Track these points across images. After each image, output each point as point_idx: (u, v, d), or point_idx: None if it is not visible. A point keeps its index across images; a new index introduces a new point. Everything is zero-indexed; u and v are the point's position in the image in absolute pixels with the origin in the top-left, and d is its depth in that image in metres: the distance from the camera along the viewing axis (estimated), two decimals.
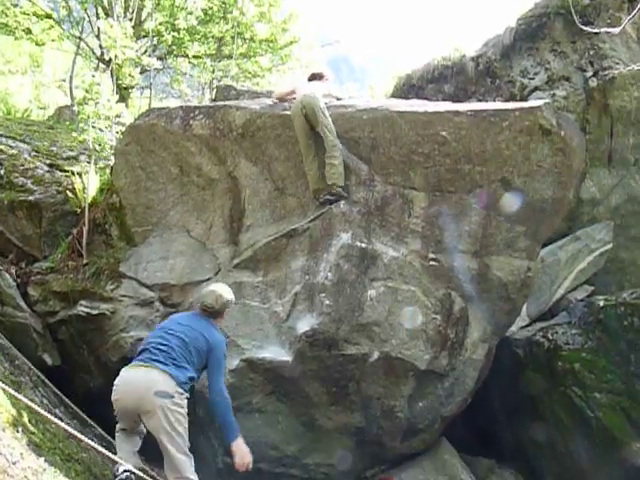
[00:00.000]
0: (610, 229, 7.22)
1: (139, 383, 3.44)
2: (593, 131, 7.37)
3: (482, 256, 4.95)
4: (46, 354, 5.94)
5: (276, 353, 4.79)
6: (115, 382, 3.56)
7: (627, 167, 7.43)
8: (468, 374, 5.19)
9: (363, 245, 4.73)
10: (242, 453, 3.65)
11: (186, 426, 3.49)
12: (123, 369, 3.60)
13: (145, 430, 3.64)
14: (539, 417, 5.90)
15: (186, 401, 3.56)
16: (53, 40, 12.69)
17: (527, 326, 6.47)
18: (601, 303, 5.81)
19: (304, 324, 4.64)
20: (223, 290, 3.95)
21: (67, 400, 5.13)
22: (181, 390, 3.50)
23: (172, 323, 3.80)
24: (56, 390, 5.17)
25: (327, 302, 4.62)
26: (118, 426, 3.66)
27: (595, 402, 5.38)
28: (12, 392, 3.23)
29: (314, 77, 5.47)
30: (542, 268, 6.58)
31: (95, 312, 5.90)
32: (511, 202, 4.72)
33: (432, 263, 4.86)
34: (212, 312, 3.84)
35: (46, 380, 5.21)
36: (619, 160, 7.41)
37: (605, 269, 7.15)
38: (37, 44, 12.58)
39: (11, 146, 7.83)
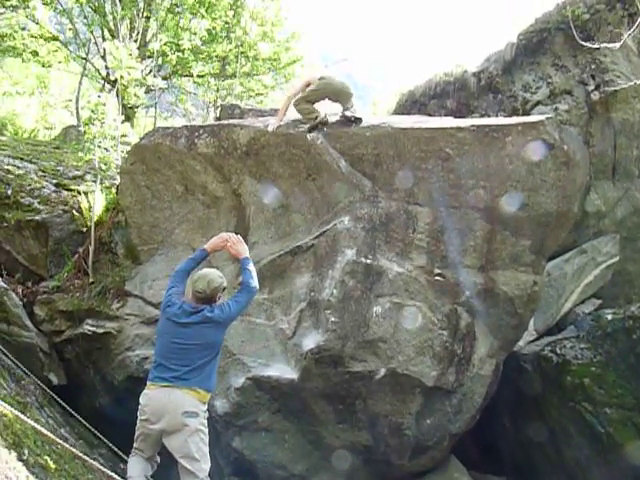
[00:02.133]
0: (616, 242, 7.19)
1: (167, 403, 3.44)
2: (596, 144, 7.36)
3: (488, 271, 4.94)
4: (52, 373, 5.95)
5: (282, 371, 4.77)
6: (141, 402, 3.54)
7: (632, 179, 7.42)
8: (476, 390, 5.14)
9: (368, 261, 4.73)
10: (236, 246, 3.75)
11: (207, 447, 3.49)
12: (147, 388, 3.57)
13: (159, 460, 3.65)
14: (549, 433, 5.82)
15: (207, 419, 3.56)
16: (60, 62, 12.90)
17: (535, 340, 6.42)
18: (609, 317, 5.77)
19: (310, 341, 4.63)
20: (214, 275, 3.72)
21: (74, 418, 5.11)
22: (204, 408, 3.51)
23: (176, 327, 3.67)
24: (63, 407, 5.15)
25: (332, 319, 4.61)
26: (135, 449, 3.64)
27: (606, 418, 5.32)
28: (18, 414, 3.21)
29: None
30: (548, 282, 6.54)
31: (101, 331, 5.91)
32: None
33: (438, 278, 4.85)
34: (204, 298, 3.63)
35: (53, 398, 5.20)
36: (623, 172, 7.40)
37: (612, 282, 7.10)
38: (44, 66, 12.77)
39: (18, 166, 7.91)
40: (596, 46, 5.86)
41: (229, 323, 3.68)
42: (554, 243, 5.20)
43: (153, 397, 3.50)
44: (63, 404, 5.12)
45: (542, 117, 4.82)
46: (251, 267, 3.74)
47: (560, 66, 7.78)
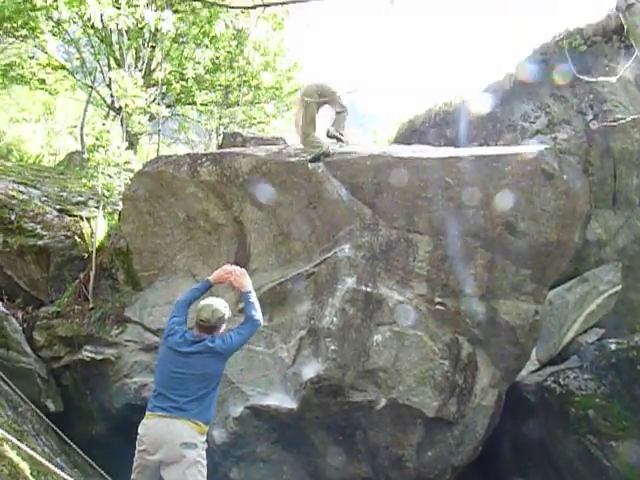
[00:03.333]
0: (618, 270, 7.16)
1: (165, 433, 3.39)
2: (596, 173, 7.41)
3: (489, 300, 4.92)
4: (49, 400, 5.89)
5: (281, 400, 4.72)
6: (140, 432, 3.49)
7: (632, 208, 7.44)
8: (478, 421, 5.06)
9: (368, 289, 4.72)
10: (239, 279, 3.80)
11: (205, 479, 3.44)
12: (145, 418, 3.52)
13: None
14: (553, 466, 5.71)
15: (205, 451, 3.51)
16: (66, 89, 13.14)
17: (537, 370, 6.34)
18: (613, 347, 5.71)
19: (309, 370, 4.59)
20: (219, 304, 3.71)
21: (69, 446, 5.05)
22: (203, 439, 3.47)
23: (177, 356, 3.65)
24: (60, 435, 5.08)
25: (332, 347, 4.58)
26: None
27: (612, 451, 5.22)
28: (15, 442, 3.17)
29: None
30: (550, 311, 6.50)
31: (100, 357, 5.87)
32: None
33: (438, 307, 4.83)
34: (207, 327, 3.62)
35: (49, 426, 5.14)
36: (624, 201, 7.43)
37: (615, 311, 7.04)
38: (51, 93, 13.00)
39: (22, 192, 7.99)
40: (593, 80, 5.95)
41: (230, 355, 3.66)
42: (555, 272, 5.19)
43: (152, 427, 3.46)
44: (59, 432, 5.05)
45: (541, 147, 4.88)
46: (255, 300, 3.75)
47: (558, 96, 7.89)
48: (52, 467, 3.41)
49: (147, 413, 3.54)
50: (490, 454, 5.39)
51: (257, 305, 3.74)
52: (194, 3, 9.13)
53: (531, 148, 5.02)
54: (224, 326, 3.71)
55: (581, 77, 5.35)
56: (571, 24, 7.92)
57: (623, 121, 6.57)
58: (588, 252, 7.28)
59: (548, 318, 6.29)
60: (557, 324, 6.62)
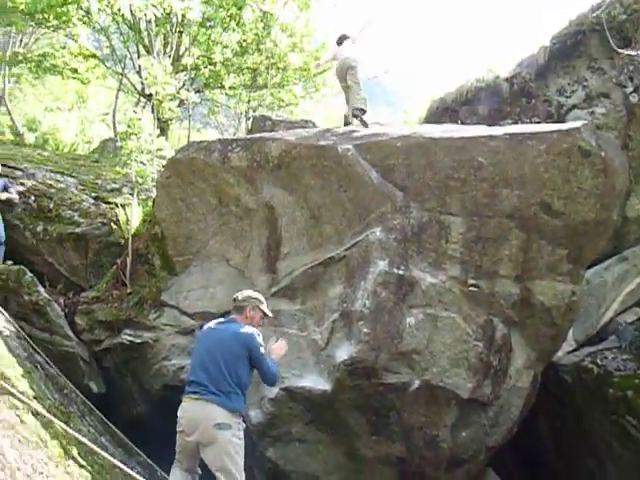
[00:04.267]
0: None
1: (200, 415, 3.57)
2: (636, 147, 7.14)
3: (524, 281, 4.84)
4: (92, 382, 6.13)
5: (315, 382, 4.78)
6: (178, 414, 3.69)
7: None
8: (513, 402, 5.03)
9: (400, 272, 4.70)
10: (277, 352, 4.09)
11: (242, 459, 3.58)
12: (183, 401, 3.71)
13: (199, 471, 3.74)
14: (591, 447, 5.65)
15: (243, 431, 3.66)
16: (97, 77, 13.34)
17: (574, 351, 6.23)
18: None
19: (342, 352, 4.63)
20: (250, 291, 4.25)
21: (113, 428, 5.25)
22: (238, 420, 3.62)
23: (207, 345, 3.85)
24: (102, 417, 5.29)
25: (365, 330, 4.59)
26: (176, 460, 3.74)
27: None
28: (63, 426, 3.32)
29: (342, 39, 6.87)
30: (588, 290, 6.36)
31: (138, 341, 6.06)
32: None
33: (472, 289, 4.78)
34: (236, 307, 4.04)
35: (92, 408, 5.35)
36: None
37: None
38: (83, 82, 13.23)
39: (59, 180, 8.23)
40: (633, 53, 5.69)
41: (248, 352, 3.80)
42: (593, 251, 5.05)
43: (188, 409, 3.61)
44: (101, 415, 5.26)
45: (578, 124, 4.71)
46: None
47: (596, 69, 7.59)
48: (97, 448, 3.58)
49: (184, 396, 3.68)
50: (526, 435, 5.36)
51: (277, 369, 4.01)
52: None
53: (567, 125, 4.86)
54: (251, 311, 4.01)
55: (619, 50, 5.11)
56: None
57: None
58: (627, 230, 7.06)
59: (586, 297, 6.16)
60: (595, 304, 6.47)
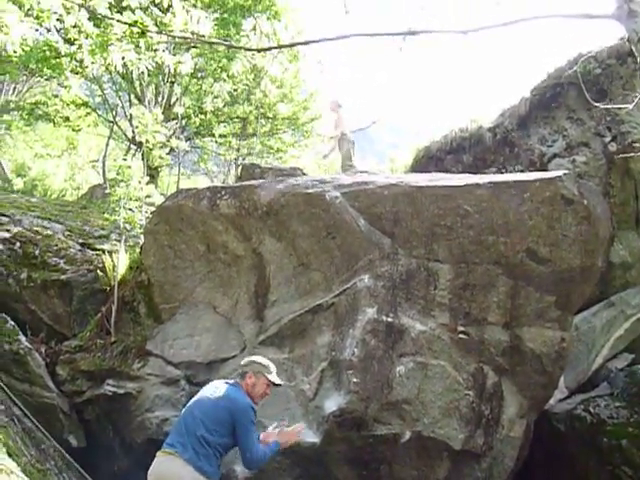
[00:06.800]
0: None
1: (165, 470, 3.41)
2: (617, 194, 7.32)
3: (513, 327, 4.83)
4: (72, 435, 5.89)
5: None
6: (149, 471, 3.51)
7: None
8: (506, 453, 4.91)
9: (389, 319, 4.67)
10: (287, 437, 3.81)
11: None
12: (156, 455, 3.55)
13: None
14: None
15: None
16: (89, 125, 13.54)
17: (566, 398, 6.15)
18: None
19: (332, 403, 4.52)
20: (259, 357, 3.97)
21: None
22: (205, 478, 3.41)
23: (197, 401, 3.70)
24: (82, 472, 5.07)
25: (354, 380, 4.51)
26: None
27: None
28: None
29: None
30: (577, 336, 6.35)
31: (121, 391, 5.87)
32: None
33: (461, 336, 4.75)
34: (240, 373, 3.84)
35: (71, 462, 5.13)
36: None
37: None
38: (74, 130, 13.40)
39: (46, 227, 8.17)
40: (609, 106, 5.92)
41: (230, 421, 3.53)
42: (580, 297, 5.08)
43: (157, 463, 3.46)
44: (81, 471, 5.04)
45: (560, 172, 4.84)
46: (270, 454, 3.75)
47: (575, 119, 7.87)
48: None
49: (159, 451, 3.54)
50: None
51: (266, 458, 3.72)
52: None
53: (550, 174, 4.98)
54: (252, 377, 3.72)
55: (595, 104, 5.32)
56: (585, 48, 7.95)
57: None
58: (613, 275, 7.14)
59: (575, 344, 6.15)
60: (585, 350, 6.45)
